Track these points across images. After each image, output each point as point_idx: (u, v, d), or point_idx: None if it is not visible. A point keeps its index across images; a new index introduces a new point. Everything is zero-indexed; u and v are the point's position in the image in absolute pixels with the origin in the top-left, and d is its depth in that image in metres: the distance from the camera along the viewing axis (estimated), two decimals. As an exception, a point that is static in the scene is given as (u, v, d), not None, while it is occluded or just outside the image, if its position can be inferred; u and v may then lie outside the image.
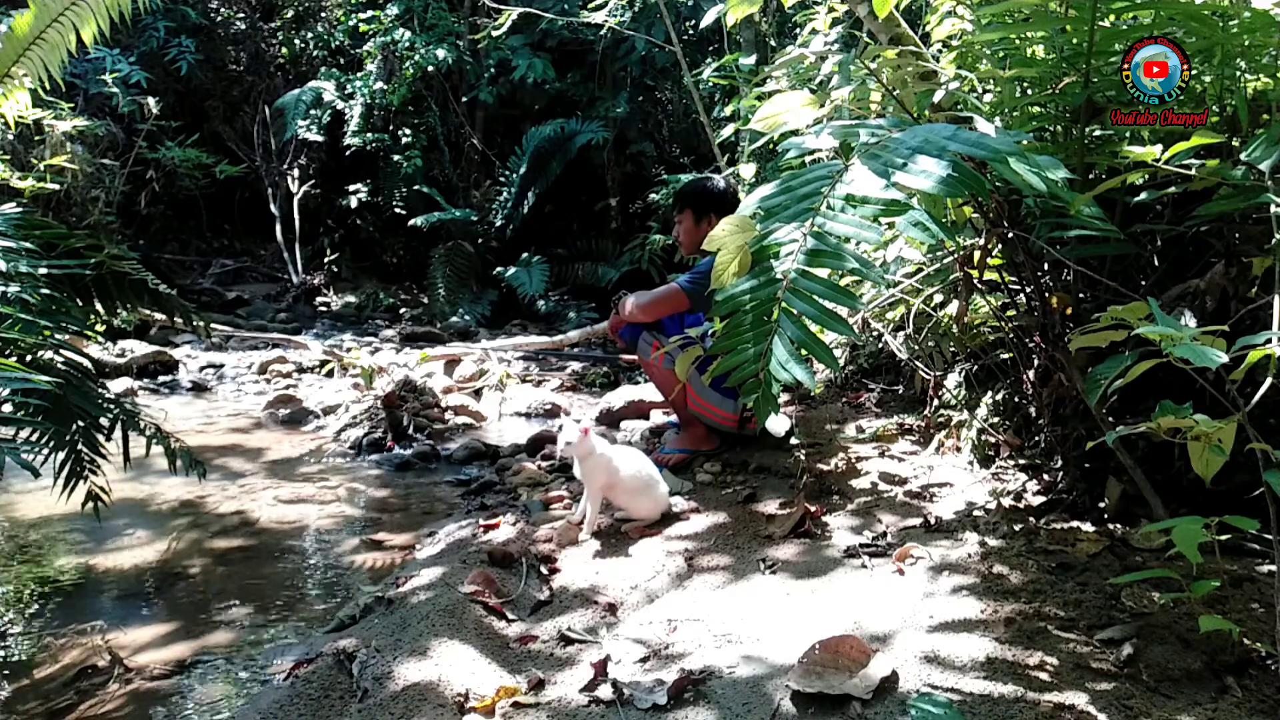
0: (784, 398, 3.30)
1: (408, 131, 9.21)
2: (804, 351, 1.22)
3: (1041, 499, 2.06)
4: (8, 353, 1.94)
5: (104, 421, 2.14)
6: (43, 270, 2.04)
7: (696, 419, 2.84)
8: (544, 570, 2.09)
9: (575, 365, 6.11)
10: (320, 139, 9.27)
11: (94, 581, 2.26)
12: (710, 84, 6.56)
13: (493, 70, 9.36)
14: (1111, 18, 1.79)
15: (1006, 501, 2.04)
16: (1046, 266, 1.94)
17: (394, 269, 10.02)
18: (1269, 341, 1.20)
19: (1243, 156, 1.49)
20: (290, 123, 9.25)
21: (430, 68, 8.90)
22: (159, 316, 4.90)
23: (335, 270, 9.66)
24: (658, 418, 3.54)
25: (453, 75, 9.54)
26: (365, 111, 9.09)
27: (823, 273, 1.23)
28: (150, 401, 4.66)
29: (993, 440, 2.38)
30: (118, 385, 4.77)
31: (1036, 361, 2.06)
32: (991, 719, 1.20)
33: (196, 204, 9.34)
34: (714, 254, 1.36)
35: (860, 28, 2.94)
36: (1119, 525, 1.86)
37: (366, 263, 10.05)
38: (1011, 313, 2.13)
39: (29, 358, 2.00)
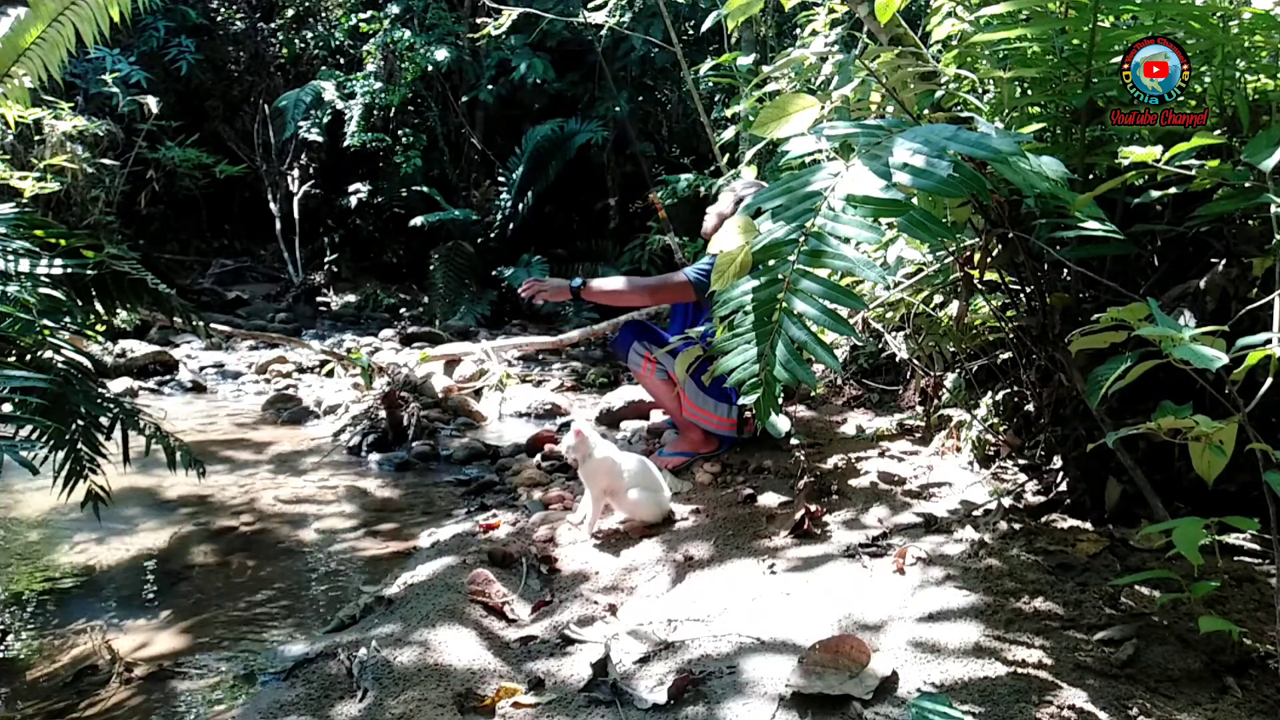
0: (783, 398, 3.29)
1: (408, 131, 9.21)
2: (805, 352, 1.22)
3: (1041, 499, 2.06)
4: (8, 352, 1.94)
5: (104, 420, 2.14)
6: (42, 270, 2.04)
7: (693, 425, 2.83)
8: (544, 570, 2.09)
9: (575, 365, 6.11)
10: (320, 139, 9.27)
11: (94, 581, 2.26)
12: (710, 84, 6.56)
13: (493, 70, 9.36)
14: (1111, 18, 1.79)
15: (1006, 501, 2.04)
16: (1046, 266, 1.94)
17: (394, 269, 10.02)
18: (1269, 342, 1.20)
19: (1243, 157, 1.50)
20: (290, 122, 9.25)
21: (430, 68, 8.89)
22: (159, 316, 4.90)
23: (335, 270, 9.65)
24: (657, 417, 3.54)
25: (453, 75, 9.53)
26: (365, 111, 9.08)
27: (823, 273, 1.23)
28: (150, 401, 4.66)
29: (993, 440, 2.38)
30: (118, 385, 4.77)
31: (1037, 361, 2.06)
32: (991, 718, 1.20)
33: (196, 204, 9.33)
34: None
35: (860, 28, 2.94)
36: (1119, 525, 1.86)
37: (366, 263, 10.05)
38: (1011, 313, 2.13)
39: (29, 357, 2.00)
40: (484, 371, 5.12)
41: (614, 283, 2.70)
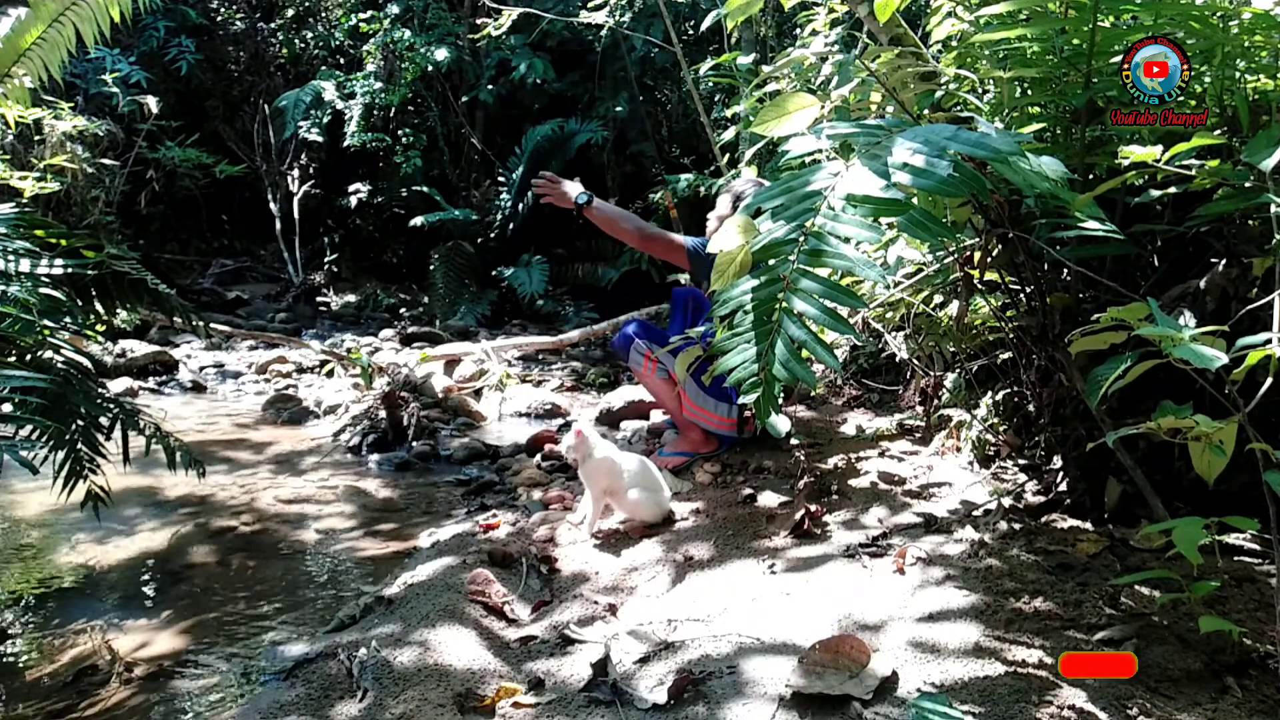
0: (783, 398, 3.29)
1: (408, 131, 9.21)
2: (805, 352, 1.22)
3: (1041, 499, 2.06)
4: (8, 352, 1.94)
5: (104, 420, 2.14)
6: (43, 270, 2.04)
7: (693, 424, 2.83)
8: (544, 570, 2.09)
9: (575, 365, 6.11)
10: (320, 139, 9.27)
11: (94, 581, 2.26)
12: (710, 84, 6.56)
13: (493, 70, 9.36)
14: (1111, 18, 1.79)
15: (1006, 501, 2.04)
16: (1046, 266, 1.94)
17: (394, 269, 10.02)
18: (1269, 342, 1.20)
19: (1243, 157, 1.50)
20: (290, 122, 9.26)
21: (430, 68, 8.90)
22: (159, 316, 4.90)
23: (335, 270, 9.66)
24: (657, 417, 3.54)
25: (453, 75, 9.53)
26: (365, 111, 9.08)
27: (823, 272, 1.23)
28: (150, 401, 4.66)
29: (993, 440, 2.38)
30: (118, 385, 4.77)
31: (1037, 361, 2.06)
32: (991, 718, 1.20)
33: (196, 204, 9.33)
34: None
35: (860, 28, 2.94)
36: (1119, 525, 1.86)
37: (366, 263, 10.05)
38: (1011, 313, 2.13)
39: (29, 357, 2.00)
40: (484, 371, 5.12)
41: (617, 212, 2.74)
